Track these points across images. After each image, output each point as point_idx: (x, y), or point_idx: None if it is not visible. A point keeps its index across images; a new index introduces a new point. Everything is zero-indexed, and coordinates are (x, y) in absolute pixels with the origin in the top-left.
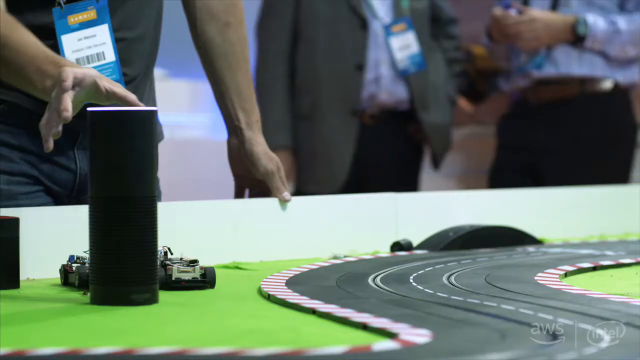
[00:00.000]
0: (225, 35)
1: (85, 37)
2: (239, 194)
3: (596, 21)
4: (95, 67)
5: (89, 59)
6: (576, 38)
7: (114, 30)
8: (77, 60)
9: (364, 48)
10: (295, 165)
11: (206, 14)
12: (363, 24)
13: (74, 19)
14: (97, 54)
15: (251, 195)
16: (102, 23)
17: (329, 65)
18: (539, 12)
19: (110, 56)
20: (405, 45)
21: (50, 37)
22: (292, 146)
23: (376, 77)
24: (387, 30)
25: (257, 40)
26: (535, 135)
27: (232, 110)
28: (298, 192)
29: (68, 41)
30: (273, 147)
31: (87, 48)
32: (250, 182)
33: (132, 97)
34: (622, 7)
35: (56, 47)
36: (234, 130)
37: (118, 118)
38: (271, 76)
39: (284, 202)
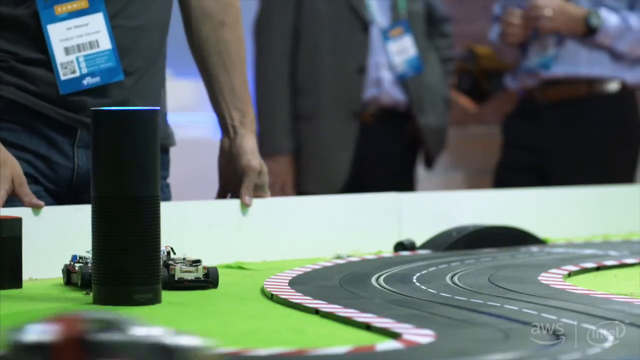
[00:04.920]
0: (219, 35)
1: (76, 26)
2: (220, 197)
3: (608, 16)
4: (88, 55)
5: (79, 47)
6: (588, 30)
7: (110, 17)
8: (66, 49)
9: (366, 51)
10: (296, 170)
11: (201, 13)
12: (364, 27)
13: (61, 9)
14: (90, 42)
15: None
16: (95, 12)
17: (330, 67)
18: (554, 0)
19: (106, 44)
20: (402, 49)
21: (27, 28)
22: (293, 150)
23: (377, 80)
24: (385, 34)
25: (257, 40)
26: (542, 134)
27: (225, 110)
28: (299, 193)
29: (55, 30)
30: (275, 152)
31: (78, 37)
32: (233, 187)
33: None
34: (632, 7)
35: (38, 40)
36: (227, 129)
37: (121, 117)
38: (274, 77)
39: (244, 205)
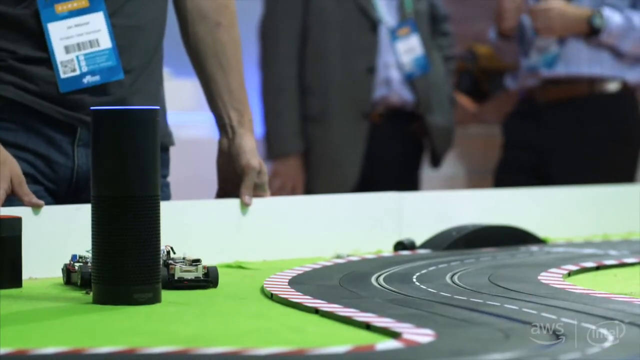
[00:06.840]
0: (215, 36)
1: (76, 25)
2: (219, 197)
3: (612, 15)
4: (88, 54)
5: (79, 46)
6: (591, 31)
7: (108, 16)
8: (67, 47)
9: (375, 51)
10: (305, 172)
11: (197, 14)
12: (373, 27)
13: (62, 7)
14: (90, 41)
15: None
16: (96, 11)
17: (339, 68)
18: (555, 2)
19: (106, 43)
20: (410, 49)
21: (27, 27)
22: (303, 152)
23: (386, 80)
24: (393, 34)
25: (264, 41)
26: (542, 134)
27: (223, 110)
28: (308, 194)
29: (55, 29)
30: (284, 154)
31: (78, 35)
32: (233, 188)
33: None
34: (634, 6)
35: (37, 38)
36: (225, 129)
37: (121, 117)
38: (282, 78)
39: (244, 204)
